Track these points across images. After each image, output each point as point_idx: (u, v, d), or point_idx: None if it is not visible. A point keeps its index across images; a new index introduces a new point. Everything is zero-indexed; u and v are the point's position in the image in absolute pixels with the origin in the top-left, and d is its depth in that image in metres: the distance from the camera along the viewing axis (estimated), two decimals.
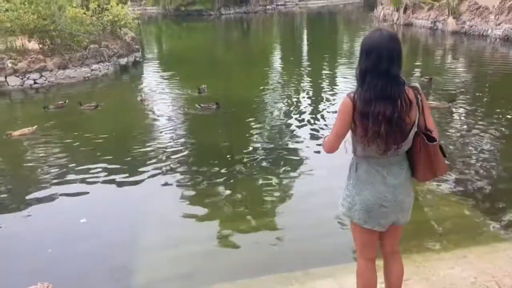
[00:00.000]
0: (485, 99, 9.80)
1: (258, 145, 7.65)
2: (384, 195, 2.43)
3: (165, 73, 15.11)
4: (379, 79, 2.27)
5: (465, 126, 7.90)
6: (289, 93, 11.23)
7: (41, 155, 7.48)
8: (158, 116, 9.60)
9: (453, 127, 7.89)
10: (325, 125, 8.53)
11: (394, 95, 2.29)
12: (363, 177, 2.47)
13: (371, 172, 2.44)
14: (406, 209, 2.54)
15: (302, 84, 12.52)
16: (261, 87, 11.85)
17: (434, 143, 2.39)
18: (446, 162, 2.53)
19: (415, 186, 4.22)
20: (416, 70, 13.26)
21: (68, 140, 8.09)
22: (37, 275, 3.93)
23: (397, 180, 2.44)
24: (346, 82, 11.90)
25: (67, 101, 10.53)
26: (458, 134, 7.47)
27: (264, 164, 6.74)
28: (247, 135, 8.19)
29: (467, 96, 10.09)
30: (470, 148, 6.87)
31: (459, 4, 20.33)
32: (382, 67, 2.26)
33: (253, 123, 8.73)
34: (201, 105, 9.64)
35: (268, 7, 39.96)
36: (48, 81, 12.63)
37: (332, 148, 2.47)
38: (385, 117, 2.26)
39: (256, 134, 8.21)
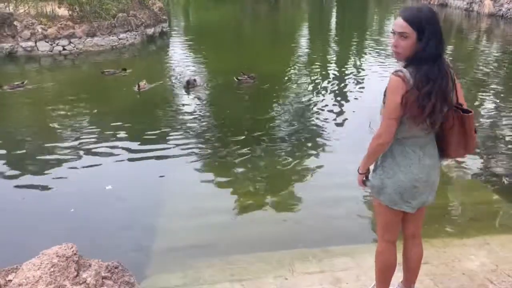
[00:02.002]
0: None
1: (281, 121, 7.62)
2: (419, 176, 2.39)
3: (191, 45, 15.07)
4: (441, 55, 2.23)
5: (495, 111, 7.68)
6: (315, 71, 11.07)
7: (69, 121, 7.62)
8: (182, 87, 9.63)
9: (483, 111, 7.67)
10: (349, 106, 8.41)
11: (446, 69, 2.26)
12: (398, 160, 2.40)
13: (408, 154, 2.39)
14: (435, 189, 2.52)
15: (329, 63, 12.32)
16: (287, 64, 11.72)
17: (470, 114, 2.34)
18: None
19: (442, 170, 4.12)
20: (447, 54, 12.87)
21: (93, 108, 8.21)
22: (61, 237, 4.05)
23: (431, 160, 2.42)
24: (374, 63, 11.64)
25: (25, 81, 9.66)
26: (488, 119, 7.28)
27: (286, 141, 6.72)
28: (270, 111, 8.15)
29: (499, 80, 9.76)
30: (500, 133, 6.70)
31: None
32: (441, 42, 2.23)
33: (277, 99, 8.68)
34: (239, 78, 9.53)
35: None
36: (77, 48, 12.76)
37: (390, 134, 2.29)
38: (441, 93, 2.22)
39: (280, 110, 8.17)
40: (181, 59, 12.66)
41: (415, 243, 2.70)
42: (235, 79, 9.55)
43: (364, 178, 2.56)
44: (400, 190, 2.41)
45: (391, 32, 2.30)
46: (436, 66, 2.22)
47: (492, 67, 11.18)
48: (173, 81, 10.18)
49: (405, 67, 2.26)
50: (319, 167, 5.89)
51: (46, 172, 5.76)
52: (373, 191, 2.54)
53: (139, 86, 9.08)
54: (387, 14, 23.54)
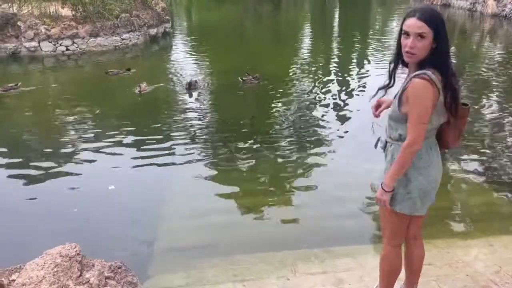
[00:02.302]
0: None
1: (283, 122, 7.62)
2: (436, 177, 2.39)
3: (194, 45, 15.09)
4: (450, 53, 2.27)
5: (498, 111, 7.65)
6: (317, 71, 11.05)
7: (71, 120, 7.64)
8: (185, 87, 9.63)
9: (486, 112, 7.64)
10: (352, 105, 8.40)
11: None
12: (414, 163, 2.31)
13: (424, 156, 2.33)
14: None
15: (331, 63, 12.31)
16: (290, 64, 11.71)
17: (467, 106, 2.35)
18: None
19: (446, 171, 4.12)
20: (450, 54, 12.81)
21: (96, 108, 8.23)
22: (64, 236, 4.06)
23: (438, 158, 2.41)
24: (376, 63, 11.61)
25: (19, 84, 9.45)
26: (491, 119, 7.25)
27: (288, 141, 6.72)
28: (272, 111, 8.15)
29: (502, 81, 9.72)
30: (503, 134, 6.67)
31: None
32: (449, 41, 2.25)
33: (279, 100, 8.67)
34: (243, 78, 9.51)
35: None
36: (80, 48, 12.79)
37: (422, 140, 2.23)
38: (457, 90, 2.25)
39: (282, 110, 8.17)
40: (184, 59, 12.67)
41: (417, 244, 2.69)
42: (240, 79, 9.54)
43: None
44: (423, 193, 2.36)
45: (404, 34, 2.22)
46: (451, 66, 2.23)
47: (495, 68, 11.15)
48: (175, 82, 10.18)
49: (420, 69, 2.22)
50: (322, 167, 5.88)
51: (48, 172, 5.77)
52: (396, 203, 2.39)
53: (140, 88, 8.94)
54: (390, 14, 23.49)
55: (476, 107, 7.78)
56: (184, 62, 12.24)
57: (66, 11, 13.47)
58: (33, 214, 4.86)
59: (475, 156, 5.96)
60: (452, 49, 13.24)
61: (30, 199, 5.20)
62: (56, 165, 5.98)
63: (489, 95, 8.69)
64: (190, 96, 8.83)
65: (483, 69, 10.88)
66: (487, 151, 6.04)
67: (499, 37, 16.18)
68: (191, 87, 8.86)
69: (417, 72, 2.21)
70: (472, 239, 3.96)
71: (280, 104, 8.47)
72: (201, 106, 8.38)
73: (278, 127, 7.36)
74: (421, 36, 2.16)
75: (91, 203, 5.05)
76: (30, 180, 5.59)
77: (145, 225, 4.61)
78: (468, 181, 5.30)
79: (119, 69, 10.68)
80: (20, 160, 6.23)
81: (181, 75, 10.62)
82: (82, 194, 5.26)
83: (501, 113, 7.65)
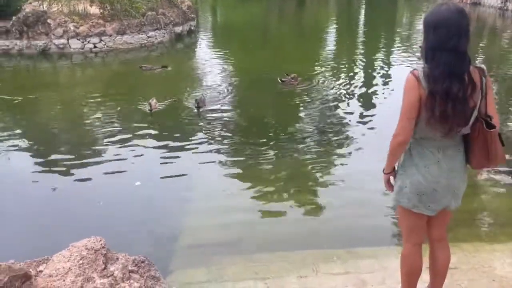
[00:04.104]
0: None
1: (306, 120, 7.58)
2: (438, 179, 2.35)
3: (218, 43, 15.19)
4: (448, 56, 2.17)
5: None
6: (342, 70, 10.96)
7: (100, 117, 7.77)
8: (209, 86, 9.69)
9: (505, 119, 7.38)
10: (378, 105, 8.29)
11: (462, 73, 2.20)
12: (416, 160, 2.39)
13: (425, 155, 2.36)
14: (459, 194, 2.45)
15: (355, 62, 12.17)
16: (313, 63, 11.64)
17: (493, 130, 2.27)
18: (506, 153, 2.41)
19: (472, 173, 4.04)
20: (478, 54, 12.54)
21: (123, 105, 8.36)
22: (90, 229, 4.14)
23: (452, 164, 2.36)
24: (402, 64, 11.43)
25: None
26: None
27: (312, 139, 6.68)
28: (295, 110, 8.12)
29: None
30: None
31: None
32: (450, 43, 2.16)
33: (302, 98, 8.62)
34: (282, 79, 9.38)
35: None
36: (107, 46, 13.02)
37: (407, 133, 2.29)
38: (452, 96, 2.17)
39: (305, 109, 8.12)
40: (208, 58, 12.75)
41: (442, 246, 2.65)
42: (279, 80, 9.40)
43: (392, 180, 2.52)
44: (418, 192, 2.39)
45: None
46: (439, 67, 2.18)
47: None
48: (198, 81, 10.22)
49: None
50: (346, 167, 5.83)
51: (76, 165, 5.90)
52: (394, 193, 2.51)
53: (150, 106, 7.94)
54: (416, 12, 23.09)
55: (504, 108, 7.56)
56: (208, 61, 12.32)
57: (94, 9, 13.74)
58: (60, 207, 4.98)
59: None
60: (481, 48, 12.93)
61: (57, 190, 5.33)
62: (83, 159, 6.11)
63: None
64: (199, 115, 7.88)
65: (506, 72, 10.55)
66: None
67: None
68: (199, 104, 8.05)
69: (414, 67, 2.30)
70: (499, 243, 3.85)
71: (304, 103, 8.43)
72: (224, 105, 8.39)
73: (302, 125, 7.33)
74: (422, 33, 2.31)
75: (117, 198, 5.16)
76: (58, 174, 5.73)
77: (169, 221, 4.67)
78: (497, 184, 5.16)
79: (153, 65, 10.80)
80: (49, 152, 6.39)
81: (203, 80, 10.48)
82: (109, 189, 5.37)
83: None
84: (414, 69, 2.26)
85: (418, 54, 11.80)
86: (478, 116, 2.28)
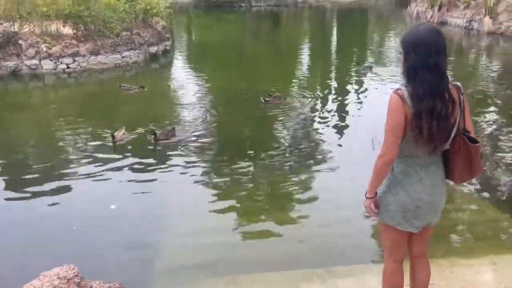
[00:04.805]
0: None
1: (284, 138, 7.62)
2: (421, 196, 2.38)
3: (194, 63, 15.22)
4: (430, 74, 2.22)
5: (499, 128, 7.65)
6: (316, 88, 11.11)
7: (72, 139, 7.60)
8: (185, 105, 9.65)
9: (487, 129, 7.64)
10: (352, 122, 8.42)
11: (443, 91, 2.25)
12: (399, 178, 2.41)
13: (409, 172, 2.39)
14: (440, 210, 2.50)
15: (329, 80, 12.38)
16: (288, 81, 11.77)
17: (477, 144, 2.33)
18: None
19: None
20: (449, 71, 12.92)
21: (96, 126, 8.23)
22: (63, 257, 4.02)
23: (434, 180, 2.40)
24: (374, 80, 11.68)
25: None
26: (492, 136, 7.25)
27: (287, 158, 6.71)
28: (272, 127, 8.15)
29: (500, 97, 9.77)
30: (505, 151, 6.65)
31: (496, 4, 19.65)
32: (431, 62, 2.22)
33: (278, 116, 8.66)
34: (265, 99, 9.34)
35: (299, 0, 39.49)
36: (80, 66, 12.84)
37: (393, 152, 2.30)
38: (436, 113, 2.21)
39: (281, 127, 8.16)
40: (184, 77, 12.74)
41: (422, 262, 2.68)
42: (262, 99, 9.37)
43: (373, 206, 2.48)
44: (403, 209, 2.41)
45: None
46: (422, 86, 2.22)
47: (492, 84, 11.22)
48: (174, 100, 10.18)
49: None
50: (323, 185, 5.85)
51: (48, 190, 5.73)
52: (378, 211, 2.51)
53: (113, 137, 7.09)
54: (387, 30, 23.77)
55: (475, 124, 7.80)
56: (184, 80, 12.29)
57: (67, 30, 13.59)
58: (31, 233, 4.81)
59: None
60: (450, 66, 13.36)
61: (29, 217, 5.16)
62: (56, 182, 5.94)
63: (488, 111, 8.71)
64: (155, 148, 7.13)
65: (481, 85, 10.94)
66: (490, 168, 6.01)
67: (495, 54, 16.32)
68: (159, 137, 7.21)
69: (397, 87, 2.31)
70: (475, 258, 3.91)
71: (282, 120, 8.46)
72: (202, 125, 8.36)
73: (280, 143, 7.35)
74: (400, 53, 2.38)
75: (92, 222, 5.01)
76: (29, 197, 5.55)
77: (146, 244, 4.56)
78: (470, 198, 5.27)
79: (131, 85, 10.74)
80: (19, 177, 6.19)
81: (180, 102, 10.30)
82: (83, 212, 5.22)
83: (501, 129, 7.65)
84: (398, 89, 2.28)
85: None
86: (457, 131, 2.33)
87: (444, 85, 2.26)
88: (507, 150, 6.71)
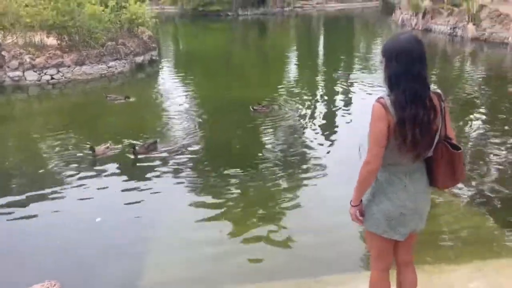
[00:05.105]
0: (504, 107, 9.53)
1: (272, 146, 7.59)
2: (405, 203, 2.38)
3: (181, 72, 15.18)
4: (413, 82, 2.23)
5: (484, 135, 7.71)
6: (304, 96, 11.11)
7: (57, 151, 7.47)
8: (171, 115, 9.59)
9: (471, 135, 7.70)
10: (340, 129, 8.44)
11: (425, 98, 2.27)
12: (383, 186, 2.41)
13: (392, 181, 2.40)
14: (424, 216, 2.51)
15: (317, 88, 12.42)
16: (276, 89, 11.77)
17: (459, 151, 2.35)
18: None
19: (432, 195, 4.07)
20: (433, 77, 13.12)
21: (81, 137, 8.13)
22: (45, 272, 3.93)
23: (418, 188, 2.41)
24: (361, 87, 11.75)
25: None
26: (477, 143, 7.30)
27: (276, 167, 6.67)
28: (260, 136, 8.12)
29: (484, 102, 9.88)
30: (490, 157, 6.70)
31: (479, 11, 19.98)
32: (414, 69, 2.24)
33: (266, 125, 8.65)
34: (254, 107, 9.33)
35: (285, 9, 39.76)
36: (65, 77, 12.72)
37: (378, 161, 2.30)
38: (418, 121, 2.23)
39: (269, 136, 8.14)
40: (170, 86, 12.70)
41: (409, 270, 2.68)
42: (251, 108, 9.34)
43: (358, 213, 2.48)
44: (387, 217, 2.41)
45: None
46: (404, 94, 2.23)
47: (478, 89, 11.34)
48: (161, 110, 10.10)
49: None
50: (312, 193, 5.83)
51: (32, 203, 5.63)
52: (364, 219, 2.51)
53: (94, 151, 6.96)
54: (373, 37, 24.00)
55: (460, 130, 7.87)
56: (171, 89, 12.26)
57: (51, 40, 13.47)
58: (13, 247, 4.70)
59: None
60: (435, 72, 13.53)
61: (12, 231, 5.04)
62: (39, 195, 5.84)
63: (473, 116, 8.79)
64: (134, 163, 6.94)
65: (465, 91, 11.06)
66: (475, 175, 6.04)
67: (480, 61, 16.55)
68: (139, 151, 7.04)
69: (379, 96, 2.31)
70: (462, 264, 3.91)
71: (268, 130, 8.44)
72: (188, 134, 8.29)
73: (268, 151, 7.32)
74: (381, 61, 2.36)
75: (77, 235, 4.91)
76: (11, 211, 5.43)
77: (131, 258, 4.49)
78: (456, 204, 5.29)
79: (117, 95, 10.65)
80: (2, 190, 6.05)
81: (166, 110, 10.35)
82: (67, 226, 5.12)
83: (485, 134, 7.71)
84: (380, 97, 2.29)
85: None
86: (439, 138, 2.34)
87: (426, 92, 2.28)
88: (492, 155, 6.77)
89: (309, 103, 10.39)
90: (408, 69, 2.24)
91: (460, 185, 5.70)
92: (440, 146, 2.35)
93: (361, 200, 2.47)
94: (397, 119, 2.22)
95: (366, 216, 2.48)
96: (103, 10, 13.95)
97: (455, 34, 20.81)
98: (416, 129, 2.23)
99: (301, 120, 9.01)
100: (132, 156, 7.08)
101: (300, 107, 9.97)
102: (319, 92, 11.84)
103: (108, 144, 7.25)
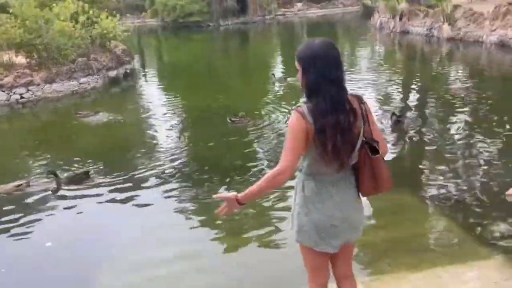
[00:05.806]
0: (479, 107, 9.39)
1: (256, 156, 7.36)
2: (333, 212, 2.29)
3: (161, 84, 15.04)
4: (332, 87, 2.16)
5: (453, 137, 7.49)
6: (288, 105, 10.87)
7: (15, 174, 7.15)
8: (152, 128, 9.38)
9: (441, 137, 7.50)
10: None
11: (344, 102, 2.19)
12: (311, 197, 2.32)
13: (319, 190, 2.30)
14: (357, 226, 2.41)
15: (301, 96, 12.24)
16: (260, 99, 11.53)
17: (377, 155, 2.24)
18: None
19: (384, 199, 3.95)
20: (414, 77, 13.19)
21: (44, 156, 7.87)
22: None
23: (345, 197, 2.32)
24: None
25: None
26: (444, 145, 7.08)
27: (260, 176, 6.36)
28: (244, 146, 7.87)
29: (464, 102, 9.76)
30: (456, 160, 6.50)
31: (453, 11, 20.11)
32: (331, 75, 2.16)
33: (251, 134, 8.39)
34: (232, 119, 9.04)
35: (267, 17, 39.84)
36: (35, 96, 12.46)
37: (292, 170, 2.22)
38: (340, 126, 2.15)
39: (255, 146, 7.88)
40: (150, 97, 12.58)
41: (349, 284, 2.58)
42: (228, 120, 9.05)
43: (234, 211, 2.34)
44: (317, 229, 2.31)
45: None
46: (325, 100, 2.16)
47: (456, 88, 11.19)
48: (139, 123, 9.88)
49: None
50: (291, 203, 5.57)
51: None
52: (294, 232, 2.41)
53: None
54: (357, 40, 24.05)
55: (440, 129, 7.74)
56: (150, 102, 12.09)
57: (20, 59, 13.25)
58: None
59: (428, 180, 5.83)
60: (414, 71, 13.50)
61: None
62: None
63: (452, 116, 8.60)
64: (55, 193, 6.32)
65: (444, 91, 10.96)
66: (439, 178, 5.86)
67: (456, 60, 16.59)
68: (58, 184, 6.37)
69: (298, 105, 2.26)
70: (421, 271, 3.74)
71: (253, 139, 8.17)
72: (165, 146, 8.00)
73: (252, 161, 7.05)
74: (297, 68, 2.27)
75: (25, 261, 4.68)
76: None
77: (85, 282, 4.24)
78: (415, 209, 5.12)
79: (88, 111, 10.39)
80: None
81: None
82: (14, 252, 4.88)
83: (454, 137, 7.49)
84: (298, 106, 2.24)
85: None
86: (363, 142, 2.26)
87: (344, 96, 2.22)
88: (468, 157, 6.57)
89: (291, 110, 10.15)
90: (328, 74, 2.17)
91: (428, 189, 5.55)
92: (363, 151, 2.27)
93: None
94: (317, 127, 2.15)
95: (297, 228, 2.38)
96: (73, 26, 13.76)
97: (431, 35, 20.91)
98: (338, 136, 2.15)
99: (284, 128, 8.72)
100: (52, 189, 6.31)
101: (283, 116, 9.56)
102: (303, 99, 11.61)
103: (23, 183, 6.29)
